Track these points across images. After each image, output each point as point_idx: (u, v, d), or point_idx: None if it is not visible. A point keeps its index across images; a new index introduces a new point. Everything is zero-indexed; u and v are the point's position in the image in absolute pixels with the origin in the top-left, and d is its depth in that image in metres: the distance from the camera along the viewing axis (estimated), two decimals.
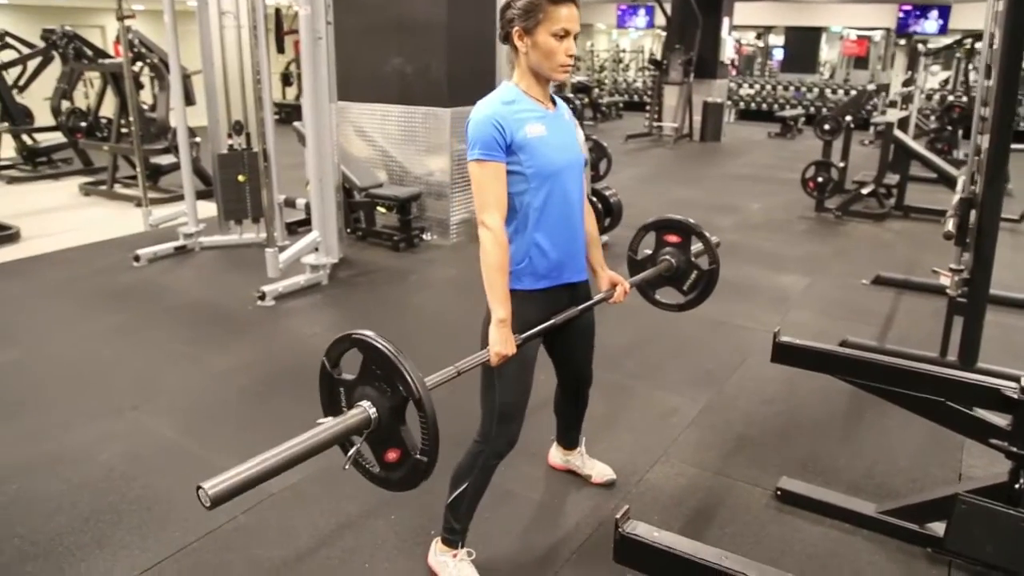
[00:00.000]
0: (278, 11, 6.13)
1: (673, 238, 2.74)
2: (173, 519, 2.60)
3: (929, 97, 11.03)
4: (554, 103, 2.18)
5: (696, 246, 2.72)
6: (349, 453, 1.66)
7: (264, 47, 4.98)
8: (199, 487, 1.35)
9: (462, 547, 2.32)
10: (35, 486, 2.78)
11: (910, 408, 2.41)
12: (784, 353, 2.56)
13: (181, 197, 6.51)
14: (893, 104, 6.81)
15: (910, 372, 2.31)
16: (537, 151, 2.05)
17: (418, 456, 1.65)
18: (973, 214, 3.53)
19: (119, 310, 4.62)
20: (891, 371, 2.35)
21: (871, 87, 7.86)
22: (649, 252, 2.79)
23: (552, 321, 2.20)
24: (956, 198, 3.94)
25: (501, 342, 2.03)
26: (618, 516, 2.00)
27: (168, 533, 2.53)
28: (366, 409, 1.64)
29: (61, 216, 7.15)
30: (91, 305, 4.72)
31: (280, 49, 6.33)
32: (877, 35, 17.74)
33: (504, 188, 2.05)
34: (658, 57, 13.30)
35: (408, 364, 1.61)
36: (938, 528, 2.47)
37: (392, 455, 1.68)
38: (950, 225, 3.45)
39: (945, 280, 3.71)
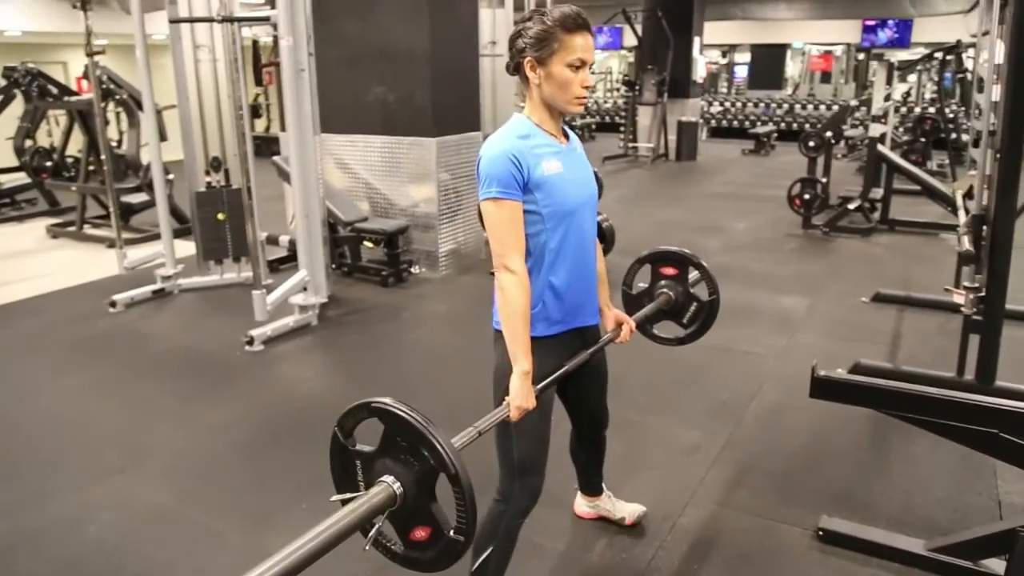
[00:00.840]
0: (255, 43, 5.98)
1: (669, 270, 2.61)
2: None
3: (896, 109, 11.16)
4: (567, 136, 2.05)
5: (693, 276, 2.60)
6: (370, 534, 1.48)
7: (244, 81, 4.80)
8: None
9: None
10: (17, 569, 2.55)
11: (962, 442, 2.31)
12: (823, 388, 2.44)
13: (155, 237, 6.29)
14: (877, 119, 6.79)
15: (964, 405, 2.19)
16: (555, 189, 1.91)
17: (452, 535, 1.47)
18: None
19: (97, 362, 4.38)
20: (943, 404, 2.23)
21: (854, 102, 7.89)
22: (644, 286, 2.66)
23: (567, 367, 2.05)
24: (961, 215, 3.88)
25: (523, 396, 1.87)
26: None
27: None
28: (389, 485, 1.46)
29: (28, 260, 6.86)
30: (67, 357, 4.47)
31: (258, 82, 6.16)
32: (838, 50, 18.03)
33: (523, 228, 1.90)
34: (631, 78, 13.33)
35: (439, 434, 1.43)
36: (993, 564, 2.36)
37: (420, 533, 1.50)
38: (966, 244, 3.37)
39: (959, 298, 3.62)
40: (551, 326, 2.02)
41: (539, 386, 1.92)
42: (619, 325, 2.30)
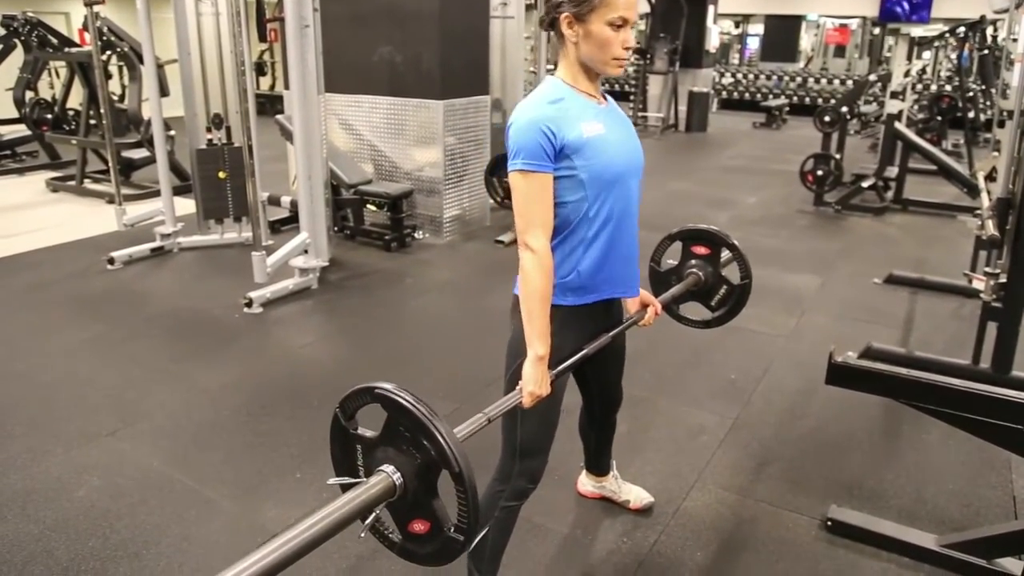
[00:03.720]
0: None
1: (701, 249, 2.48)
2: (165, 567, 2.32)
3: (913, 86, 10.94)
4: (605, 98, 1.90)
5: (725, 256, 2.48)
6: (367, 521, 1.39)
7: (247, 36, 4.65)
8: None
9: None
10: (3, 528, 2.49)
11: (981, 435, 2.21)
12: (840, 375, 2.34)
13: (156, 194, 6.17)
14: (895, 95, 6.61)
15: (991, 399, 2.09)
16: (597, 151, 1.76)
17: (452, 534, 1.38)
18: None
19: (93, 320, 4.29)
20: (966, 397, 2.13)
21: (872, 77, 7.69)
22: (673, 263, 2.52)
23: (585, 350, 1.93)
24: (984, 197, 3.76)
25: (537, 381, 1.76)
26: None
27: None
28: (389, 475, 1.36)
29: (27, 214, 6.75)
30: (62, 315, 4.38)
31: (262, 38, 6.00)
32: (854, 23, 17.66)
33: (551, 204, 1.76)
34: (643, 46, 13.07)
35: (443, 427, 1.32)
36: (1008, 564, 2.28)
37: (419, 526, 1.41)
38: (991, 228, 3.25)
39: (979, 284, 3.52)
40: (583, 295, 1.89)
41: (555, 371, 1.82)
42: (644, 307, 2.18)
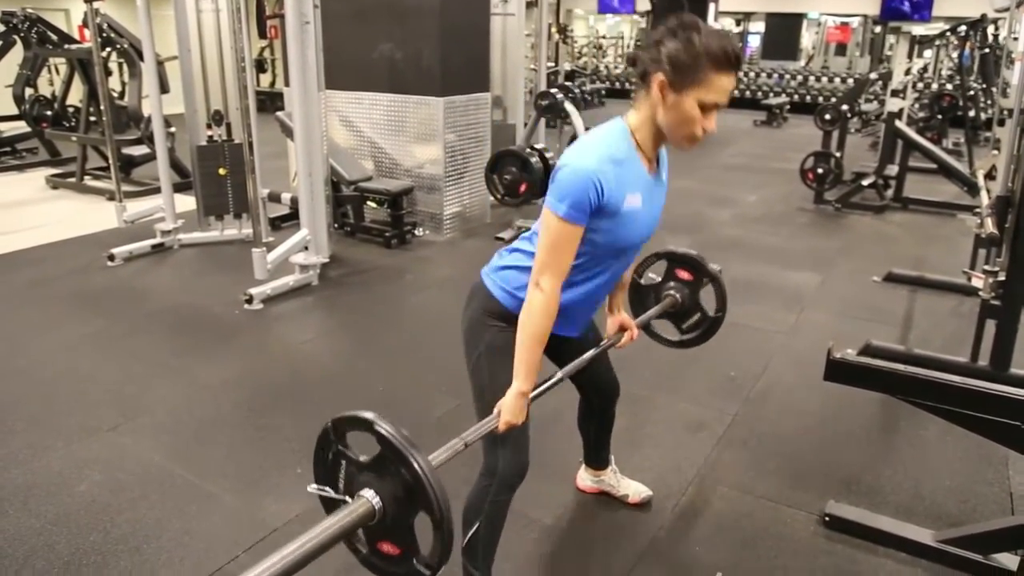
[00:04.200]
0: None
1: (684, 274, 2.54)
2: (165, 561, 2.33)
3: (913, 85, 10.95)
4: (658, 160, 1.88)
5: (707, 288, 2.54)
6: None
7: (247, 33, 4.66)
8: None
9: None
10: (5, 523, 2.49)
11: (978, 432, 2.22)
12: (839, 371, 2.35)
13: (156, 190, 6.17)
14: (896, 93, 6.61)
15: (989, 395, 2.10)
16: (624, 226, 1.76)
17: (419, 566, 1.41)
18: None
19: (94, 316, 4.30)
20: (964, 394, 2.14)
21: (873, 75, 7.70)
22: (657, 279, 2.58)
23: (559, 376, 1.97)
24: (984, 195, 3.76)
25: (515, 412, 1.78)
26: None
27: None
28: (369, 500, 1.38)
29: (27, 211, 6.75)
30: (63, 311, 4.39)
31: (262, 34, 6.01)
32: (855, 22, 17.66)
33: (574, 252, 1.75)
34: (643, 44, 13.06)
35: (434, 481, 1.34)
36: (1004, 559, 2.29)
37: (389, 548, 1.44)
38: (990, 226, 3.26)
39: (978, 282, 3.52)
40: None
41: (530, 397, 1.83)
42: (622, 329, 2.23)
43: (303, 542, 1.26)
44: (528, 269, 1.84)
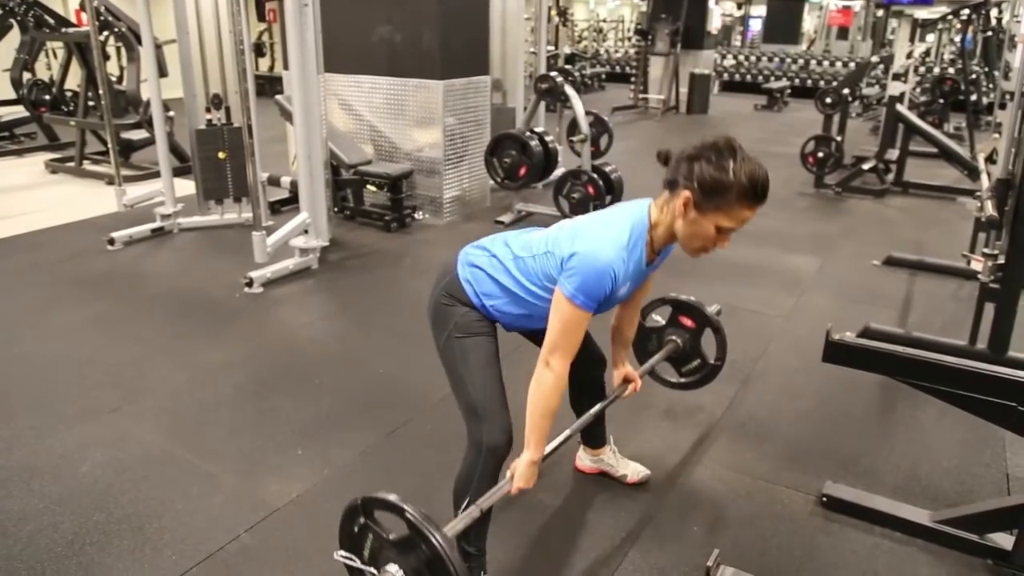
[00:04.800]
0: None
1: (687, 321, 2.69)
2: (168, 540, 2.35)
3: (915, 69, 10.90)
4: (662, 253, 1.97)
5: (708, 336, 2.71)
6: None
7: (246, 16, 4.63)
8: None
9: (484, 575, 2.10)
10: (9, 504, 2.51)
11: (976, 413, 2.23)
12: (837, 353, 2.36)
13: (155, 175, 6.17)
14: (897, 77, 6.59)
15: (986, 376, 2.11)
16: (601, 305, 1.85)
17: None
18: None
19: (95, 300, 4.31)
20: (961, 375, 2.15)
21: (874, 59, 7.67)
22: (661, 321, 2.72)
23: (568, 433, 2.13)
24: (984, 179, 3.76)
25: (526, 479, 1.89)
26: (709, 564, 1.80)
27: (164, 558, 2.28)
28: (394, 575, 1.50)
29: (26, 195, 6.74)
30: (64, 294, 4.39)
31: (261, 17, 5.98)
32: (857, 5, 17.55)
33: (583, 334, 1.86)
34: (644, 27, 13.01)
35: (457, 565, 1.44)
36: (1000, 539, 2.31)
37: None
38: (989, 209, 3.26)
39: (977, 265, 3.53)
40: (484, 317, 2.02)
41: (544, 455, 1.94)
42: (626, 381, 2.35)
43: None
44: (506, 290, 1.95)
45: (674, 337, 2.69)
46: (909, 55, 6.75)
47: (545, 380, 1.82)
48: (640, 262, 1.84)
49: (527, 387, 1.87)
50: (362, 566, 1.53)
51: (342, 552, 1.56)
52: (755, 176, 1.69)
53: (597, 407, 2.31)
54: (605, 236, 1.78)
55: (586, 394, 2.47)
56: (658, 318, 2.68)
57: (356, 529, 1.57)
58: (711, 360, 2.70)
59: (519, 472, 1.87)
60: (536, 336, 2.09)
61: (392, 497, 1.48)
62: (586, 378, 2.42)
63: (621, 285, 1.81)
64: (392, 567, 1.49)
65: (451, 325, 1.99)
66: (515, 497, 2.08)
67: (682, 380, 2.77)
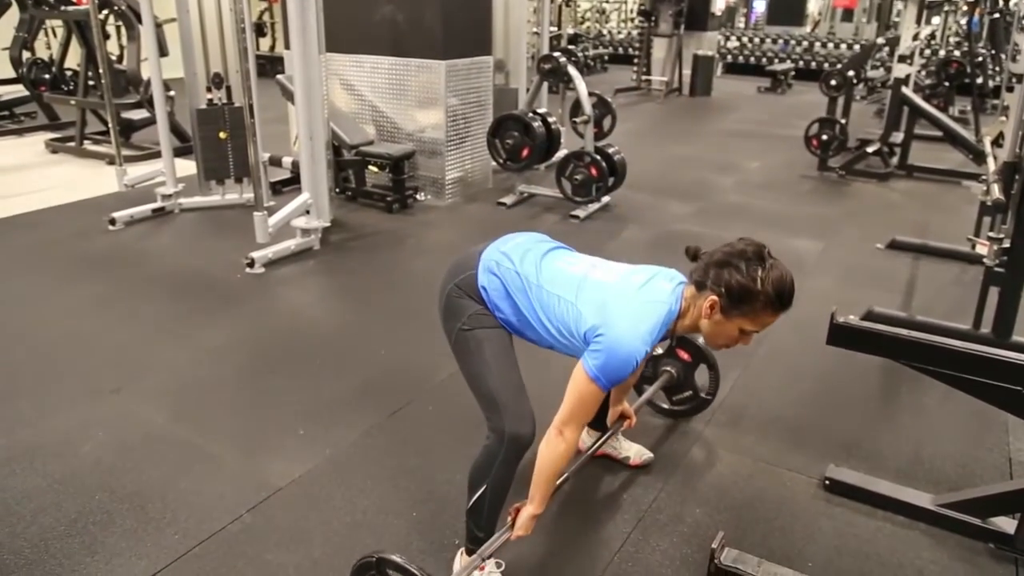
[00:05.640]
0: None
1: (684, 355, 2.79)
2: (170, 519, 2.36)
3: (921, 51, 10.81)
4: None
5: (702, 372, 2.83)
6: None
7: None
8: None
9: (490, 557, 2.11)
10: (12, 482, 2.52)
11: (980, 397, 2.22)
12: (841, 336, 2.34)
13: (156, 155, 6.13)
14: (903, 59, 6.53)
15: (990, 360, 2.10)
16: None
17: None
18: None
19: (96, 280, 4.29)
20: (965, 358, 2.14)
21: (880, 40, 7.60)
22: (659, 351, 2.82)
23: (574, 469, 2.24)
24: (990, 162, 3.73)
25: (526, 529, 1.97)
26: (714, 546, 1.80)
27: (166, 537, 2.28)
28: None
29: (27, 175, 6.71)
30: (64, 274, 4.38)
31: None
32: None
33: (597, 408, 1.92)
34: (647, 8, 12.89)
35: None
36: (1002, 523, 2.31)
37: None
38: (996, 192, 3.24)
39: (982, 249, 3.51)
40: (495, 321, 2.03)
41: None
42: (622, 417, 2.50)
43: None
44: (520, 315, 1.97)
45: (669, 368, 2.80)
46: (915, 37, 6.67)
47: (557, 447, 1.88)
48: (655, 346, 1.92)
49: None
50: None
51: None
52: (782, 286, 1.76)
53: (592, 447, 2.46)
54: (635, 326, 1.81)
55: None
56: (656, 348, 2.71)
57: None
58: (702, 394, 2.82)
59: (520, 522, 1.95)
60: None
61: (400, 559, 1.64)
62: None
63: (639, 366, 1.88)
64: None
65: (464, 317, 1.99)
66: (519, 480, 2.08)
67: (672, 408, 2.89)
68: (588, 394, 1.83)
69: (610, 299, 1.87)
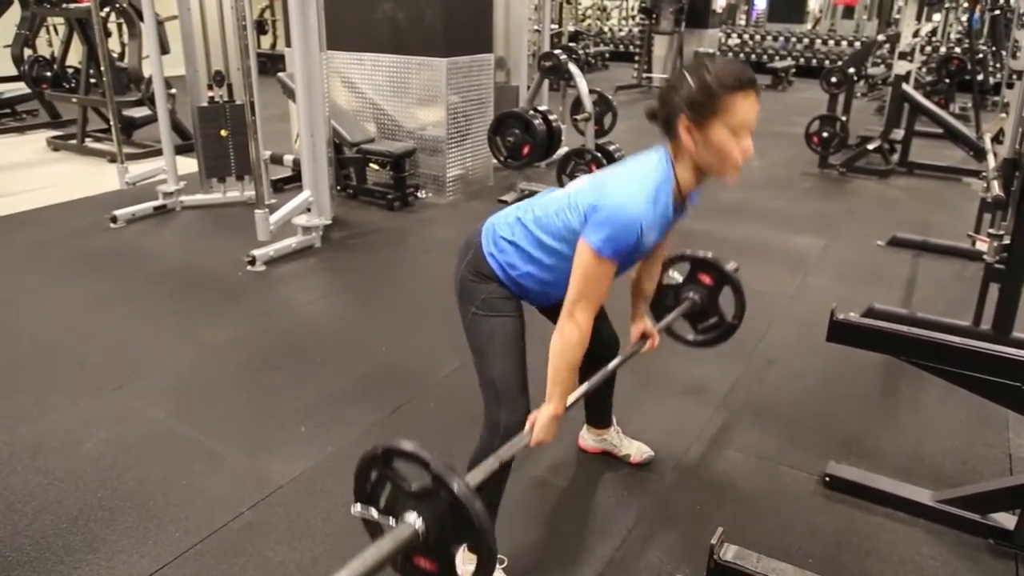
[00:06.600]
0: None
1: (706, 278, 2.58)
2: (172, 517, 2.37)
3: (922, 48, 10.79)
4: (689, 198, 1.91)
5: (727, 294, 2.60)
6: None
7: None
8: None
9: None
10: (14, 480, 2.53)
11: (980, 393, 2.23)
12: (842, 332, 2.35)
13: (157, 152, 6.13)
14: (904, 56, 6.52)
15: (990, 356, 2.10)
16: (630, 256, 1.81)
17: None
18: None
19: (98, 277, 4.30)
20: (965, 355, 2.15)
21: (881, 37, 7.59)
22: (678, 278, 2.62)
23: (586, 387, 2.07)
24: (991, 159, 3.73)
25: (547, 432, 1.84)
26: (713, 542, 1.79)
27: (168, 534, 2.29)
28: (412, 524, 1.41)
29: (28, 173, 6.72)
30: (66, 272, 4.39)
31: None
32: None
33: (610, 286, 1.81)
34: (648, 5, 12.88)
35: (484, 520, 1.38)
36: (1002, 519, 2.32)
37: (426, 565, 1.47)
38: (996, 188, 3.24)
39: (982, 246, 3.51)
40: (511, 294, 1.99)
41: (568, 405, 1.90)
42: (643, 337, 2.31)
43: (351, 571, 1.30)
44: (527, 254, 1.90)
45: (692, 294, 2.58)
46: (915, 34, 6.67)
47: (569, 333, 1.79)
48: (667, 209, 1.80)
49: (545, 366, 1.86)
50: (378, 517, 1.47)
51: (358, 507, 1.51)
52: (730, 67, 1.69)
53: (615, 362, 2.23)
54: (632, 188, 1.74)
55: (595, 375, 2.47)
56: (676, 275, 2.60)
57: (373, 480, 1.51)
58: (728, 318, 2.60)
59: (540, 425, 1.82)
60: (555, 312, 2.08)
61: (411, 446, 1.43)
62: (598, 361, 2.41)
63: (647, 235, 1.75)
64: (411, 516, 1.42)
65: (478, 301, 1.97)
66: (518, 477, 2.09)
67: (698, 337, 2.67)
68: (594, 268, 1.74)
69: (604, 180, 1.82)
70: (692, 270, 2.58)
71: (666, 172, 1.79)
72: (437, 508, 1.41)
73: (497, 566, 2.10)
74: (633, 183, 1.75)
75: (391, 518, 1.45)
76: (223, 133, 5.39)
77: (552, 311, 2.09)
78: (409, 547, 1.40)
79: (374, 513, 1.48)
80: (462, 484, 1.38)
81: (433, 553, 1.44)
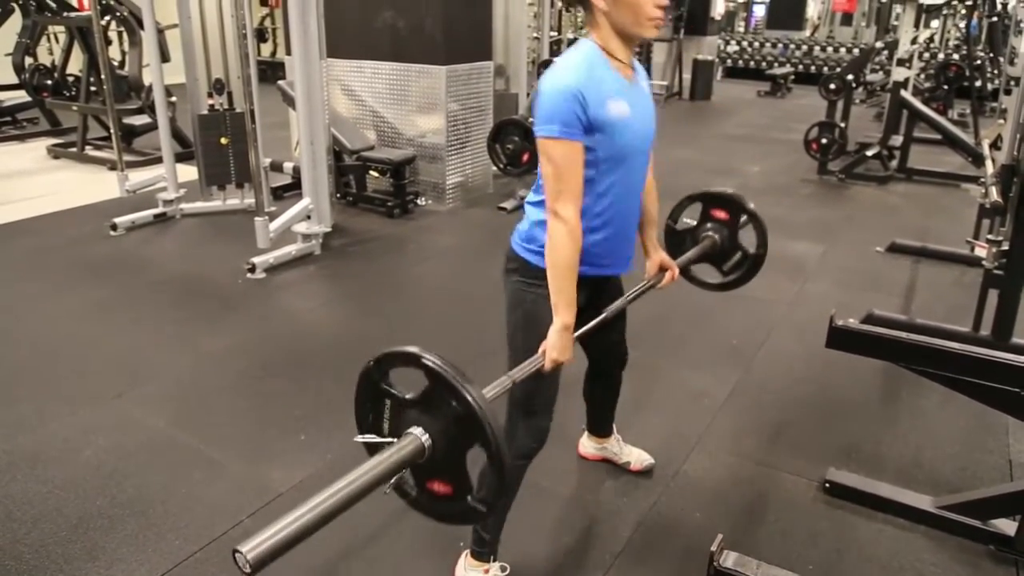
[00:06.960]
0: None
1: (720, 214, 2.45)
2: (171, 525, 2.36)
3: (920, 55, 10.81)
4: (633, 67, 1.87)
5: (744, 220, 2.46)
6: (392, 480, 1.38)
7: (248, 0, 4.60)
8: (236, 551, 1.08)
9: (494, 561, 2.11)
10: (14, 488, 2.52)
11: (981, 399, 2.23)
12: (841, 339, 2.35)
13: (158, 160, 6.14)
14: (902, 62, 6.54)
15: (989, 362, 2.10)
16: (617, 133, 1.76)
17: (474, 504, 1.38)
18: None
19: (97, 285, 4.30)
20: (965, 361, 2.15)
21: (879, 44, 7.61)
22: (692, 223, 2.50)
23: (604, 315, 1.98)
24: (989, 165, 3.73)
25: (561, 349, 1.77)
26: (713, 549, 1.79)
27: (167, 542, 2.29)
28: (418, 437, 1.34)
29: (29, 181, 6.73)
30: (66, 280, 4.39)
31: (263, 2, 5.96)
32: None
33: (582, 172, 1.75)
34: None
35: (488, 411, 1.30)
36: (1002, 525, 2.31)
37: (441, 488, 1.40)
38: (994, 194, 3.24)
39: (981, 251, 3.52)
40: (581, 267, 1.87)
41: (576, 334, 1.83)
42: (662, 270, 2.19)
43: (349, 481, 1.22)
44: (532, 223, 1.88)
45: (710, 233, 2.46)
46: (914, 41, 6.70)
47: (557, 232, 1.74)
48: (616, 78, 1.77)
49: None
50: (381, 439, 1.40)
51: (360, 437, 1.45)
52: None
53: (624, 298, 2.10)
54: (559, 68, 1.74)
55: (601, 387, 2.48)
56: (689, 220, 2.52)
57: (372, 400, 1.44)
58: (752, 251, 2.47)
59: (551, 342, 1.76)
60: (607, 299, 2.06)
61: (413, 349, 1.34)
62: (606, 371, 2.42)
63: (596, 103, 1.70)
64: (415, 429, 1.34)
65: (520, 312, 1.94)
66: (525, 478, 2.08)
67: (726, 279, 2.53)
68: (557, 154, 1.70)
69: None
70: (704, 208, 2.48)
71: (589, 45, 1.78)
72: (444, 418, 1.33)
73: (500, 573, 2.10)
74: (559, 66, 1.75)
75: (394, 439, 1.38)
76: (223, 141, 5.40)
77: (602, 295, 2.07)
78: (414, 460, 1.33)
79: (377, 438, 1.41)
80: (473, 390, 1.31)
81: (445, 472, 1.37)
